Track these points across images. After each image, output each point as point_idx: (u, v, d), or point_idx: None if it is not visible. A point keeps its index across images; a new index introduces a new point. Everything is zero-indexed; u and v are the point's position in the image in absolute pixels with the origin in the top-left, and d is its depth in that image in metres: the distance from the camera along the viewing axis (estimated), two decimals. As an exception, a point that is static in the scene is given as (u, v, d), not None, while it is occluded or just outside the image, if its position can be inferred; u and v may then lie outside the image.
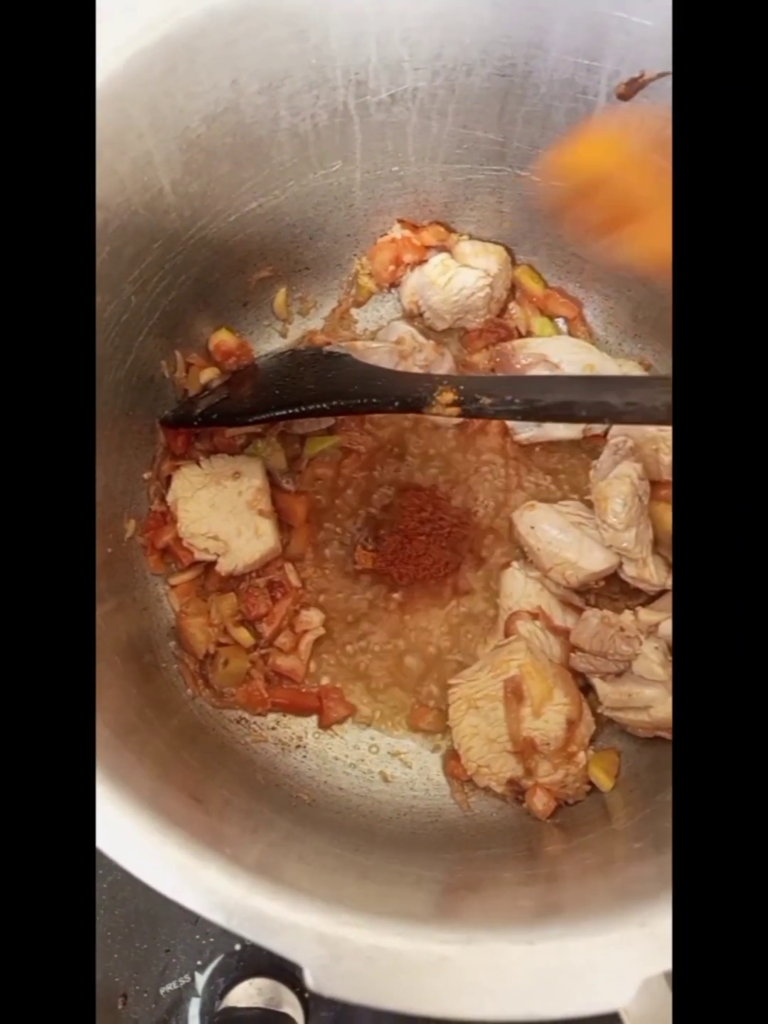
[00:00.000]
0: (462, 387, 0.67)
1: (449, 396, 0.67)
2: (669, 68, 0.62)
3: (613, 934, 0.41)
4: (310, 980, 0.40)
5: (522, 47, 0.65)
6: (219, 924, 0.40)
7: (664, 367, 0.86)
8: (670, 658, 0.72)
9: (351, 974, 0.40)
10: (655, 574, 0.79)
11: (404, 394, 0.71)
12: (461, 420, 0.87)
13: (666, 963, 0.40)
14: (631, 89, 0.65)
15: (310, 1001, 0.92)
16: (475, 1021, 0.39)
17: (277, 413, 0.77)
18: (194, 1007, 0.92)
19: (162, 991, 0.92)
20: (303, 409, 0.76)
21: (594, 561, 0.79)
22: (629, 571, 0.80)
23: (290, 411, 0.76)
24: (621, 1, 0.59)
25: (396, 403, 0.71)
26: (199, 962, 0.93)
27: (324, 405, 0.75)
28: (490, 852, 0.68)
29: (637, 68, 0.63)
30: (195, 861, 0.42)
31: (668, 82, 0.63)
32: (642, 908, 0.42)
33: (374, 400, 0.73)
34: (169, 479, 0.83)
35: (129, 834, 0.43)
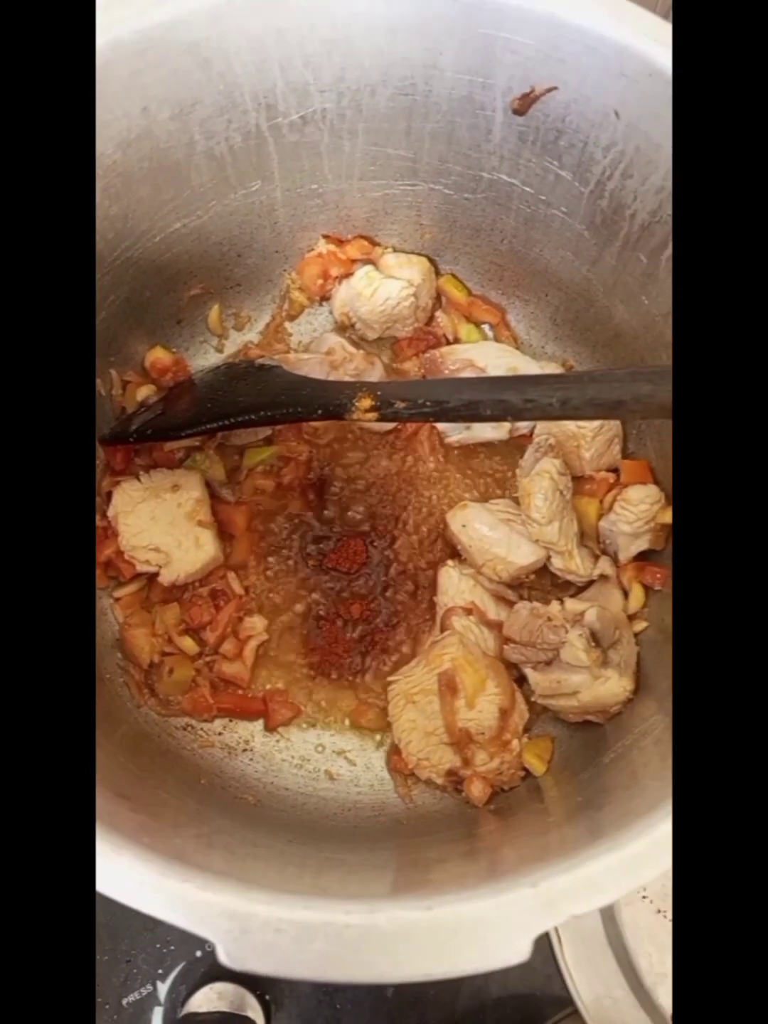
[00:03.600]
0: (379, 393, 0.70)
1: (367, 402, 0.70)
2: (555, 84, 0.65)
3: (505, 896, 0.43)
4: (222, 955, 0.42)
5: (419, 68, 0.68)
6: (129, 905, 0.42)
7: (584, 366, 0.89)
8: (593, 645, 0.75)
9: (260, 945, 0.42)
10: (581, 566, 0.82)
11: (326, 402, 0.74)
12: (391, 425, 0.90)
13: (556, 920, 0.42)
14: (525, 104, 0.69)
15: (271, 1004, 0.93)
16: (379, 983, 0.42)
17: (209, 425, 0.80)
18: (157, 1016, 0.93)
19: (125, 1002, 0.93)
20: (233, 420, 0.78)
21: (522, 555, 0.82)
22: (557, 563, 0.83)
23: (221, 423, 0.79)
24: (502, 23, 0.62)
25: (319, 411, 0.74)
26: (160, 970, 0.94)
27: (253, 416, 0.78)
28: (425, 839, 0.70)
29: (527, 84, 0.67)
30: (109, 848, 0.44)
31: (557, 96, 0.67)
32: (534, 871, 0.44)
33: (299, 409, 0.76)
34: (109, 495, 0.85)
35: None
